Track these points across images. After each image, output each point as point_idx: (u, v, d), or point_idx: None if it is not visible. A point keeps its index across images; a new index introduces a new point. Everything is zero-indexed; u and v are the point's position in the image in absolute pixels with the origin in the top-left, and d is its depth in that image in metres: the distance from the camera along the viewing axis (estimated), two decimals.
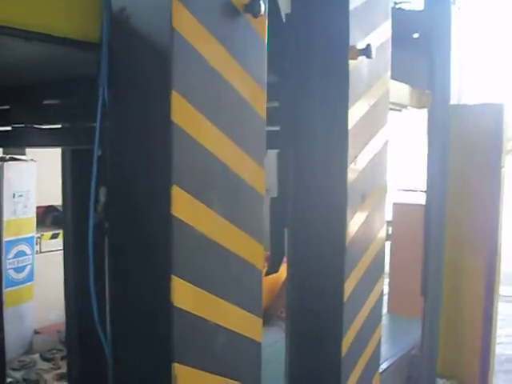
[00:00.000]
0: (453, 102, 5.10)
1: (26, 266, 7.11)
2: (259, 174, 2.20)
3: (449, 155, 4.84)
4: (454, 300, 5.27)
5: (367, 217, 2.91)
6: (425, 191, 4.85)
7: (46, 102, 2.77)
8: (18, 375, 6.38)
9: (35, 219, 7.24)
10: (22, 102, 2.81)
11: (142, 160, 1.99)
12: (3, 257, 6.96)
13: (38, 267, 7.21)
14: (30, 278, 7.18)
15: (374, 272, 3.04)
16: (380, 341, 3.17)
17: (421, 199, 5.05)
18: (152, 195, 1.97)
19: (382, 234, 3.09)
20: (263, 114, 2.21)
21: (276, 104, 2.77)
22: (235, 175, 2.10)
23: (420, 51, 4.75)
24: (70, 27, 1.99)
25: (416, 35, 4.74)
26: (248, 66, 2.13)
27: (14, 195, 7.04)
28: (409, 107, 4.67)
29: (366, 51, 2.65)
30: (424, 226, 4.78)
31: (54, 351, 6.72)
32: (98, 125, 2.05)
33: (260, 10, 2.06)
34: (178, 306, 1.93)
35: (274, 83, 2.57)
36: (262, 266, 2.24)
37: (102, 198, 2.10)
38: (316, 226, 2.83)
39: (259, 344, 2.26)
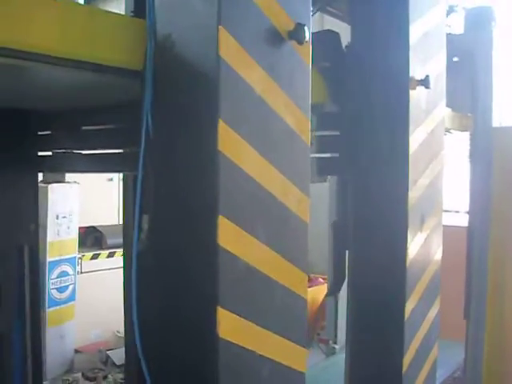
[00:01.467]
0: (495, 124, 5.02)
1: (68, 285, 7.16)
2: (304, 202, 2.15)
3: (491, 177, 4.76)
4: (498, 324, 5.11)
5: (426, 239, 2.98)
6: (467, 212, 4.79)
7: (84, 127, 2.75)
8: None
9: (77, 240, 7.30)
10: (63, 128, 2.81)
11: (188, 189, 1.95)
12: (46, 277, 7.02)
13: (78, 287, 7.25)
14: (71, 297, 7.22)
15: (432, 292, 3.10)
16: (436, 358, 3.21)
17: (464, 221, 4.97)
18: (198, 225, 1.92)
19: (439, 254, 3.18)
20: (307, 141, 2.16)
21: (336, 132, 2.90)
22: (280, 204, 2.05)
23: (461, 74, 4.70)
24: (114, 55, 1.96)
25: (455, 59, 4.70)
26: (293, 93, 2.09)
27: (57, 217, 7.12)
28: (451, 130, 4.60)
29: (425, 82, 2.74)
30: (467, 248, 4.70)
31: (96, 370, 6.74)
32: (141, 152, 2.02)
33: (305, 37, 2.01)
34: (224, 337, 1.88)
35: (334, 113, 2.82)
36: (306, 294, 2.18)
37: (145, 226, 2.06)
38: (377, 248, 2.90)
39: (303, 375, 2.19)
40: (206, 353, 1.91)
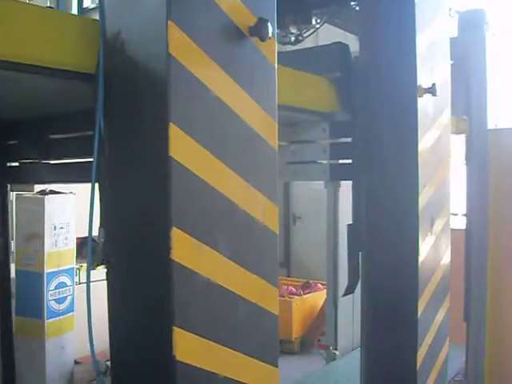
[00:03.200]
0: (490, 126, 4.87)
1: (66, 297, 6.95)
2: (271, 210, 1.94)
3: (488, 179, 4.64)
4: (498, 325, 4.98)
5: (435, 240, 3.04)
6: (465, 215, 4.65)
7: (52, 136, 2.56)
8: None
9: (75, 251, 7.12)
10: (29, 137, 2.62)
11: (140, 199, 1.75)
12: (44, 288, 6.85)
13: (77, 298, 7.07)
14: (70, 308, 7.02)
15: (442, 290, 3.15)
16: (448, 354, 3.27)
17: (462, 223, 4.83)
18: (150, 238, 1.72)
19: (448, 255, 3.23)
20: (274, 145, 1.95)
21: (349, 140, 2.96)
22: (243, 213, 1.85)
23: (455, 77, 4.61)
24: (65, 58, 1.77)
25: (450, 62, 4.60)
26: (256, 93, 1.89)
27: (54, 227, 6.93)
28: None
29: (432, 90, 2.81)
30: (465, 250, 4.57)
31: (95, 382, 6.53)
32: (94, 161, 1.83)
33: (268, 33, 1.81)
34: (182, 360, 1.68)
35: (346, 121, 2.91)
36: (277, 309, 1.97)
37: (102, 239, 1.87)
38: (389, 250, 2.95)
39: None
40: (162, 377, 1.71)
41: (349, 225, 3.10)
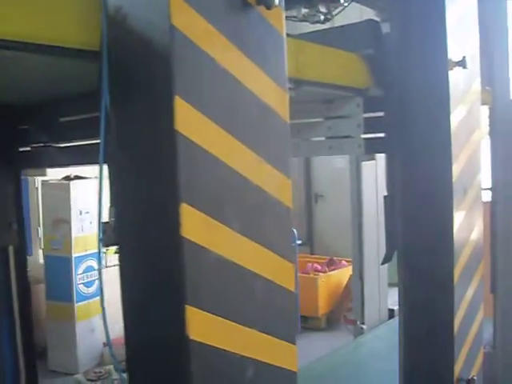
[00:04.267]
0: None
1: (94, 280, 6.98)
2: (285, 184, 1.86)
3: None
4: None
5: (469, 209, 3.09)
6: (490, 189, 4.54)
7: (62, 119, 2.50)
8: None
9: None
10: (39, 121, 2.56)
11: (148, 176, 1.69)
12: (73, 272, 6.88)
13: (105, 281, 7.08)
14: (99, 292, 7.04)
15: (476, 258, 3.17)
16: (482, 319, 3.31)
17: (487, 197, 4.73)
18: (160, 216, 1.66)
19: (480, 223, 3.26)
20: (286, 117, 1.87)
21: (382, 114, 3.00)
22: (256, 188, 1.77)
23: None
24: (71, 36, 1.69)
25: None
26: (265, 64, 1.80)
27: (80, 212, 6.95)
28: None
29: (462, 63, 2.84)
30: (491, 223, 4.46)
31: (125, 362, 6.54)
32: (101, 140, 1.76)
33: (274, 1, 1.73)
34: (196, 339, 1.61)
35: (379, 96, 2.94)
36: (294, 286, 1.89)
37: (112, 219, 1.81)
38: (425, 219, 2.98)
39: (295, 374, 1.91)
40: (176, 357, 1.65)
41: (385, 196, 3.21)
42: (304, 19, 3.43)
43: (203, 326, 1.64)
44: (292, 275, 1.89)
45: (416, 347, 3.07)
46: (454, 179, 2.90)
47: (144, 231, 1.72)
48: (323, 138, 3.14)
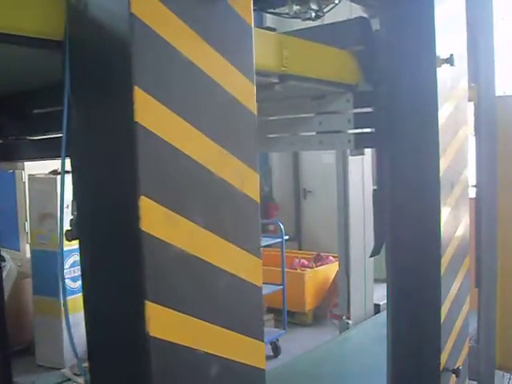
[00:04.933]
0: (498, 93, 4.69)
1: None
2: (251, 178, 1.80)
3: (497, 147, 4.47)
4: (509, 292, 4.91)
5: (455, 202, 3.10)
6: (475, 186, 4.50)
7: (36, 111, 2.44)
8: (82, 380, 6.20)
9: None
10: (12, 113, 2.49)
11: (108, 169, 1.63)
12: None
13: None
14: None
15: (462, 252, 3.20)
16: (468, 311, 3.34)
17: (472, 193, 4.71)
18: (120, 209, 1.60)
19: (467, 217, 3.28)
20: (253, 109, 1.81)
21: (371, 109, 3.01)
22: (220, 181, 1.71)
23: None
24: (33, 25, 1.63)
25: None
26: (231, 56, 1.74)
27: (67, 207, 6.84)
28: None
29: (450, 60, 2.86)
30: (475, 218, 4.42)
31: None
32: (64, 131, 1.70)
33: None
34: (156, 335, 1.55)
35: (368, 92, 2.96)
36: (260, 281, 1.83)
37: (74, 213, 1.75)
38: (413, 213, 3.01)
39: (263, 372, 1.86)
40: (136, 353, 1.59)
41: (374, 190, 3.24)
42: (295, 16, 3.42)
43: (164, 323, 1.58)
44: (258, 270, 1.84)
45: (403, 338, 3.10)
46: (441, 174, 2.92)
47: (104, 225, 1.66)
48: (314, 133, 3.17)
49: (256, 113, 1.82)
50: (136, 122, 1.50)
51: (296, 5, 3.28)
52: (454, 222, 3.13)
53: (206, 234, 1.67)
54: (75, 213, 1.75)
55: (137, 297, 1.54)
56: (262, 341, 1.85)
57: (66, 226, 1.80)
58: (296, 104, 3.12)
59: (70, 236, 1.77)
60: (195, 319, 1.65)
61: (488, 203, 4.45)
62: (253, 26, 1.82)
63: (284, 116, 3.26)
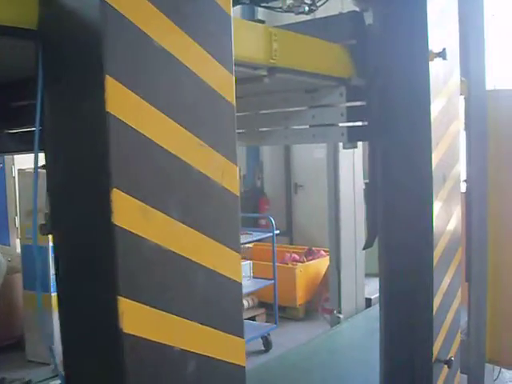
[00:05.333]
0: (489, 87, 4.64)
1: None
2: (230, 171, 1.74)
3: (487, 141, 4.44)
4: (499, 286, 4.80)
5: (447, 195, 3.11)
6: (465, 181, 4.46)
7: (15, 104, 2.37)
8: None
9: None
10: None
11: (81, 161, 1.57)
12: (50, 262, 6.73)
13: None
14: None
15: (454, 244, 3.21)
16: (460, 304, 3.36)
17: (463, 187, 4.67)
18: (93, 202, 1.54)
19: (458, 210, 3.30)
20: (232, 100, 1.75)
21: (364, 103, 3.01)
22: (198, 174, 1.65)
23: None
24: (10, 15, 1.56)
25: None
26: (209, 45, 1.68)
27: None
28: None
29: (442, 54, 2.87)
30: (466, 213, 4.38)
31: None
32: (37, 124, 1.64)
33: None
34: (130, 332, 1.50)
35: (362, 85, 2.95)
36: (239, 276, 1.78)
37: (48, 206, 1.69)
38: (405, 206, 3.02)
39: (243, 369, 1.80)
40: (110, 350, 1.54)
41: (366, 183, 3.29)
42: (289, 10, 3.37)
43: (139, 319, 1.52)
44: (238, 265, 1.78)
45: (396, 330, 3.11)
46: (433, 167, 2.93)
47: (77, 219, 1.60)
48: (307, 126, 3.17)
49: (235, 104, 1.76)
50: (107, 112, 1.44)
51: None
52: (446, 216, 3.14)
53: (182, 228, 1.62)
54: (49, 207, 1.68)
55: (110, 292, 1.49)
56: (242, 337, 1.80)
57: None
58: (289, 98, 3.12)
59: (44, 231, 1.71)
60: (172, 315, 1.60)
61: (478, 198, 4.42)
62: (232, 15, 1.76)
63: (277, 110, 3.26)
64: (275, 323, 6.99)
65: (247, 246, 7.81)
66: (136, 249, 1.52)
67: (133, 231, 1.50)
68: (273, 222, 7.08)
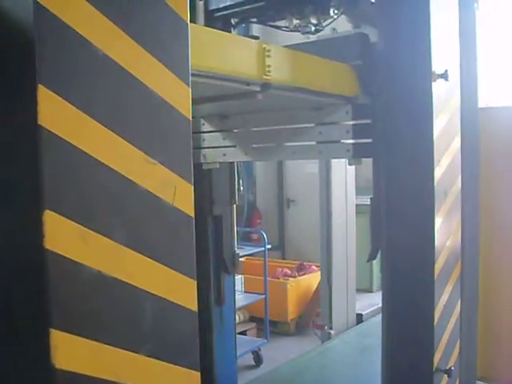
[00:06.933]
0: (481, 105, 4.52)
1: None
2: (184, 189, 1.57)
3: (480, 159, 4.33)
4: (490, 302, 4.74)
5: (448, 210, 3.14)
6: None
7: None
8: None
9: None
10: None
11: (9, 179, 1.39)
12: None
13: None
14: None
15: (454, 256, 3.22)
16: (459, 313, 3.39)
17: None
18: (24, 226, 1.36)
19: (458, 225, 3.33)
20: (187, 113, 1.58)
21: (369, 121, 3.05)
22: (146, 193, 1.48)
23: None
24: None
25: None
26: (161, 53, 1.51)
27: None
28: None
29: (444, 75, 2.93)
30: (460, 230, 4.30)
31: None
32: None
33: None
34: (64, 368, 1.32)
35: (367, 104, 3.02)
36: (194, 304, 1.60)
37: None
38: (408, 219, 3.04)
39: None
40: None
41: (371, 198, 3.27)
42: (295, 29, 3.47)
43: (74, 353, 1.34)
44: (193, 292, 1.60)
45: (398, 340, 3.13)
46: (435, 183, 2.97)
47: (8, 242, 1.42)
48: (314, 143, 3.21)
49: (190, 117, 1.59)
50: (40, 126, 1.27)
51: (296, 19, 3.43)
52: (447, 229, 3.18)
53: (128, 253, 1.44)
54: None
55: (42, 324, 1.30)
56: (197, 370, 1.61)
57: None
58: (297, 115, 3.19)
59: None
60: (114, 348, 1.42)
61: (470, 214, 4.28)
62: (189, 22, 1.59)
63: (285, 126, 3.31)
64: (266, 338, 6.81)
65: (239, 260, 7.62)
66: (73, 276, 1.34)
67: (69, 257, 1.32)
68: (265, 236, 6.91)
